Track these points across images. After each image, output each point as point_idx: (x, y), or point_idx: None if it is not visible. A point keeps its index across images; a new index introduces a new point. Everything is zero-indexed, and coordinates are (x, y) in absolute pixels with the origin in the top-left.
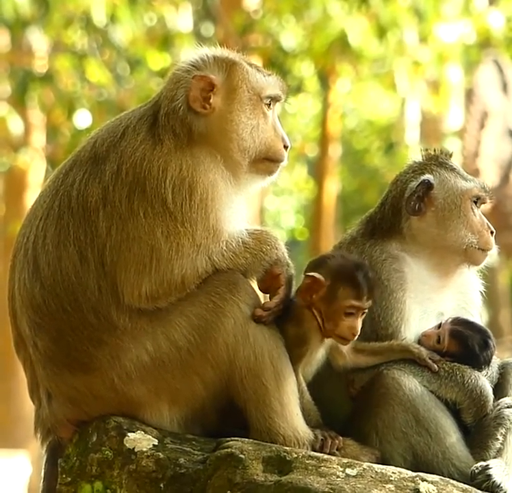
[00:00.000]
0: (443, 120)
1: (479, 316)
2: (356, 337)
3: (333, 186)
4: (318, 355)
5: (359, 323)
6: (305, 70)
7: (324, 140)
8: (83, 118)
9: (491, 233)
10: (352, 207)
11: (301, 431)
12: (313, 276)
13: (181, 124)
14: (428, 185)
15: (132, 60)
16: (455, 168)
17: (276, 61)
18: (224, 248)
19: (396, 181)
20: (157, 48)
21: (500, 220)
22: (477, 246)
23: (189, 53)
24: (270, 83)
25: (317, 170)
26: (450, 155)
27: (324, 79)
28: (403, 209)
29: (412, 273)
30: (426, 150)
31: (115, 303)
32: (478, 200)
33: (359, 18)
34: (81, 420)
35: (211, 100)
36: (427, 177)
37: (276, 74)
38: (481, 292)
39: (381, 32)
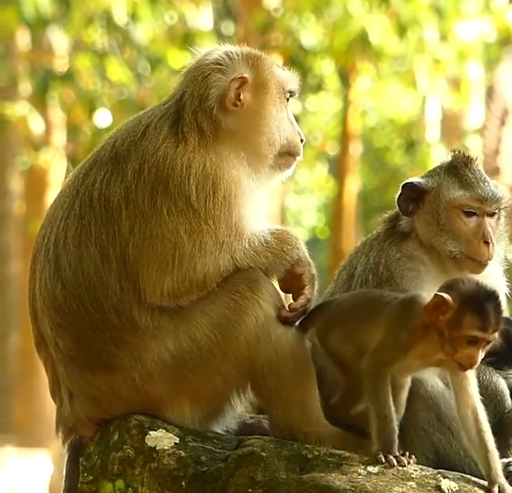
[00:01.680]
0: (464, 118)
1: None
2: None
3: (353, 184)
4: (413, 370)
5: (479, 354)
6: (325, 68)
7: (344, 138)
8: (103, 117)
9: (486, 243)
10: (373, 206)
11: (323, 428)
12: (442, 296)
13: (211, 122)
14: (414, 188)
15: (153, 59)
16: (460, 174)
17: (297, 60)
18: (247, 246)
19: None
20: (178, 47)
21: None
22: (465, 255)
23: (211, 50)
24: (291, 78)
25: (337, 169)
26: (469, 160)
27: (345, 77)
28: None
29: (428, 273)
30: (453, 151)
31: (137, 302)
32: (473, 210)
33: (379, 16)
34: (102, 419)
35: (241, 97)
36: (413, 180)
37: (296, 72)
38: (506, 294)
39: (401, 30)
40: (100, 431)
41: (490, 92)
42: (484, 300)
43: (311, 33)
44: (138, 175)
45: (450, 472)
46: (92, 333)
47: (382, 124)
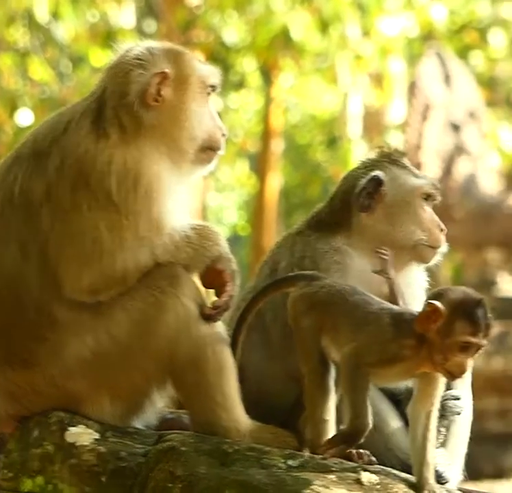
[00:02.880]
0: (386, 114)
1: None
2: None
3: (275, 181)
4: (389, 380)
5: (469, 362)
6: (247, 65)
7: (266, 135)
8: (25, 116)
9: (441, 230)
10: (294, 202)
11: (242, 422)
12: (434, 304)
13: (131, 117)
14: (378, 182)
15: (74, 57)
16: (407, 166)
17: (219, 57)
18: (167, 241)
19: (347, 176)
20: (100, 45)
21: (443, 212)
22: (426, 243)
23: (132, 46)
24: (212, 72)
25: (259, 166)
26: (403, 154)
27: (267, 74)
28: (353, 204)
29: (354, 267)
30: (380, 147)
31: (56, 298)
32: (428, 198)
33: (301, 12)
34: (22, 415)
35: (162, 92)
36: (377, 173)
37: (218, 69)
38: (425, 289)
39: (323, 26)
40: (20, 427)
41: (412, 88)
42: (474, 306)
43: (232, 30)
44: (59, 171)
45: (370, 465)
46: (12, 329)
47: (304, 120)
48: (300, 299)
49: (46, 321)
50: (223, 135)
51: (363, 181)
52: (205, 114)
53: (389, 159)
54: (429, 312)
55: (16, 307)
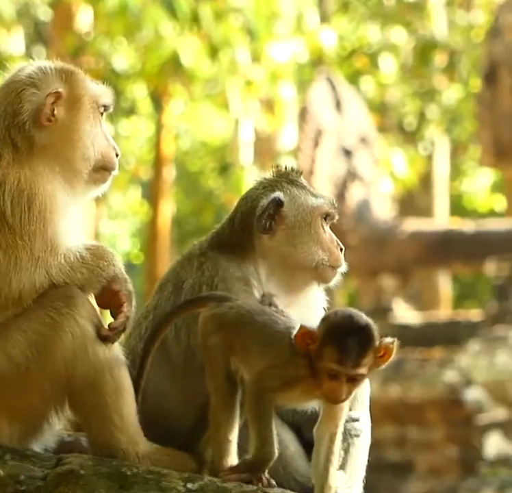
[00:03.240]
0: (277, 139)
1: None
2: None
3: (167, 208)
4: (297, 402)
5: (344, 388)
6: (138, 91)
7: (157, 162)
8: None
9: (341, 249)
10: (187, 229)
11: (141, 445)
12: (304, 327)
13: (24, 137)
14: (278, 203)
15: None
16: (305, 186)
17: (109, 83)
18: (62, 262)
19: (245, 197)
20: None
21: (337, 238)
22: (327, 264)
23: (24, 65)
24: (104, 92)
25: (151, 193)
26: (300, 173)
27: (157, 101)
28: (254, 226)
29: (261, 290)
30: (277, 167)
31: None
32: (327, 217)
33: (191, 38)
34: None
35: (55, 112)
36: (277, 194)
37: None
38: (324, 308)
39: (213, 52)
40: None
41: (303, 113)
42: (347, 333)
43: (122, 57)
44: None
45: (269, 488)
46: None
47: (196, 147)
48: (210, 319)
49: None
50: (117, 155)
51: (264, 203)
52: (98, 134)
53: (286, 178)
54: (300, 334)
55: None
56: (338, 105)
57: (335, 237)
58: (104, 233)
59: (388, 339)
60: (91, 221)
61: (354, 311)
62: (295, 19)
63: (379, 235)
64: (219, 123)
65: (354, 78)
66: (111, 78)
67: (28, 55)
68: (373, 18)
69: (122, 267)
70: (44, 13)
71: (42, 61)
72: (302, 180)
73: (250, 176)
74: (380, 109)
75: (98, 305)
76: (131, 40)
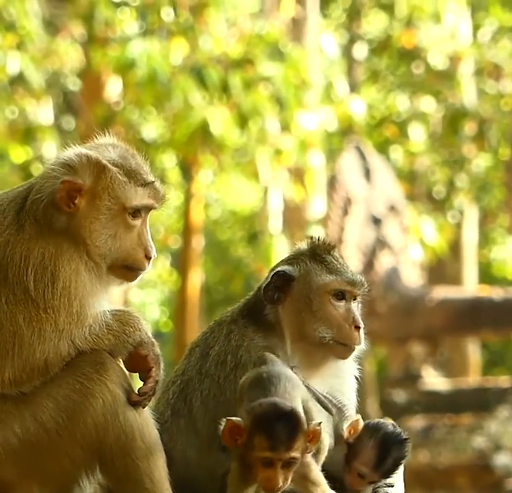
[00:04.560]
0: (307, 208)
1: (355, 400)
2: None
3: (196, 277)
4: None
5: (279, 475)
6: (167, 160)
7: (187, 232)
8: None
9: (357, 327)
10: (216, 298)
11: None
12: (231, 420)
13: (43, 215)
14: (285, 276)
15: None
16: (326, 261)
17: (138, 153)
18: (87, 332)
19: (271, 269)
20: (19, 142)
21: (366, 306)
22: (336, 340)
23: (72, 149)
24: (139, 194)
25: (180, 262)
26: (332, 247)
27: (187, 170)
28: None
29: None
30: (311, 239)
31: None
32: (342, 294)
33: (220, 107)
34: None
35: (76, 201)
36: (284, 268)
37: (155, 179)
38: (356, 377)
39: (242, 121)
40: None
41: (332, 182)
42: (274, 420)
43: (152, 126)
44: None
45: None
46: None
47: (225, 216)
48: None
49: None
50: (148, 257)
51: (270, 275)
52: (116, 235)
53: (311, 252)
54: (230, 428)
55: None
56: (367, 173)
57: (352, 315)
58: (133, 301)
59: (314, 422)
60: (121, 290)
61: (277, 399)
62: (324, 88)
63: (408, 303)
64: (248, 192)
65: (383, 147)
66: (141, 147)
67: (57, 125)
68: (402, 87)
69: (148, 331)
70: (73, 83)
71: (83, 150)
72: (330, 254)
73: (279, 244)
74: (409, 177)
75: (127, 369)
76: (160, 109)
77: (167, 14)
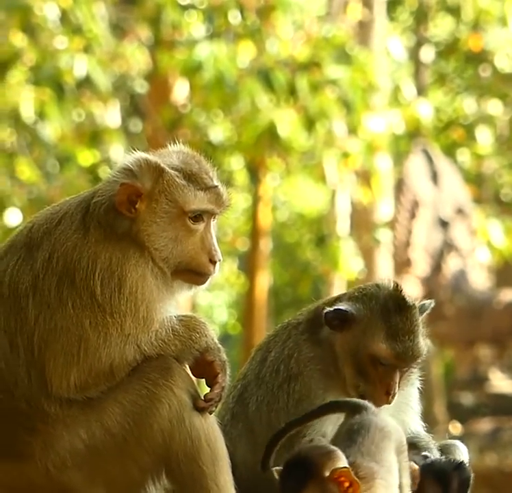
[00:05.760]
0: (374, 211)
1: (418, 410)
2: None
3: (264, 280)
4: None
5: None
6: (234, 163)
7: (254, 234)
8: (13, 216)
9: (387, 393)
10: (284, 301)
11: None
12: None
13: (105, 219)
14: (345, 315)
15: (61, 157)
16: (391, 323)
17: (205, 156)
18: (153, 338)
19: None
20: (86, 145)
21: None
22: (367, 393)
23: (136, 154)
24: (198, 198)
25: (248, 264)
26: (406, 307)
27: (254, 173)
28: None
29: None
30: (395, 286)
31: (44, 393)
32: (388, 364)
33: (287, 109)
34: None
35: (137, 206)
36: (349, 309)
37: (218, 185)
38: (418, 388)
39: (310, 123)
40: None
41: (400, 185)
42: (286, 468)
43: (219, 129)
44: (47, 264)
45: None
46: (4, 420)
47: (293, 219)
48: None
49: (37, 413)
50: (212, 261)
51: (331, 311)
52: (177, 239)
53: (382, 303)
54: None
55: (8, 398)
56: (435, 176)
57: (388, 381)
58: (201, 304)
59: (338, 466)
60: (189, 294)
61: (313, 446)
62: (391, 91)
63: (476, 306)
64: (315, 194)
65: (450, 149)
66: (208, 150)
67: (124, 128)
68: (469, 90)
69: (215, 337)
70: (140, 86)
71: (145, 155)
72: (398, 315)
73: (346, 247)
74: (476, 180)
75: (194, 375)
76: (227, 112)
77: (234, 16)
